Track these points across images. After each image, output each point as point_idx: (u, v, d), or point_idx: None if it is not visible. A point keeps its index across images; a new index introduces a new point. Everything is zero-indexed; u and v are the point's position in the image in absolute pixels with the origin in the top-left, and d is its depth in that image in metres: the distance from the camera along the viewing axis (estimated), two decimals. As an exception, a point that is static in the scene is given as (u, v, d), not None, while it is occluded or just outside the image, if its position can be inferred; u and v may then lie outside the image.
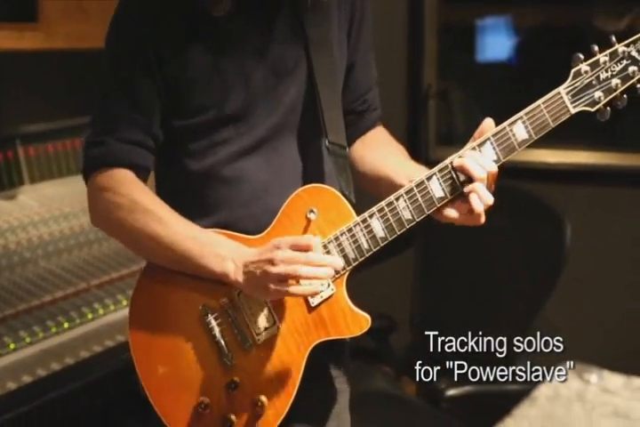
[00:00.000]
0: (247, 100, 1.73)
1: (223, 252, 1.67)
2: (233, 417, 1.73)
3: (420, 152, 3.83)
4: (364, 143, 1.93)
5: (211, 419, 1.73)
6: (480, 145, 1.65)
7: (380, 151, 1.89)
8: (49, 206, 2.67)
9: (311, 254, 1.61)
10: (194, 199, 1.77)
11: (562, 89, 1.65)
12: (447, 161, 1.66)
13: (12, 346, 2.11)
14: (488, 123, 1.66)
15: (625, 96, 1.66)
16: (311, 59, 1.75)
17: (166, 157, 1.80)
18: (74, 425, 2.12)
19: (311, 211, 1.70)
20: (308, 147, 1.79)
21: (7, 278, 2.34)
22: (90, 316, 2.31)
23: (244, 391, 1.72)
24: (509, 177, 3.09)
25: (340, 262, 1.65)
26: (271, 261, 1.61)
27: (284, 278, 1.60)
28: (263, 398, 1.72)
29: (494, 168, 1.65)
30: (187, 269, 1.70)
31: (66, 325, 2.25)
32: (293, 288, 1.61)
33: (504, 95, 3.96)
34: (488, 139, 1.65)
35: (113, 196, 1.71)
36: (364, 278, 2.91)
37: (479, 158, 1.64)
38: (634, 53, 1.64)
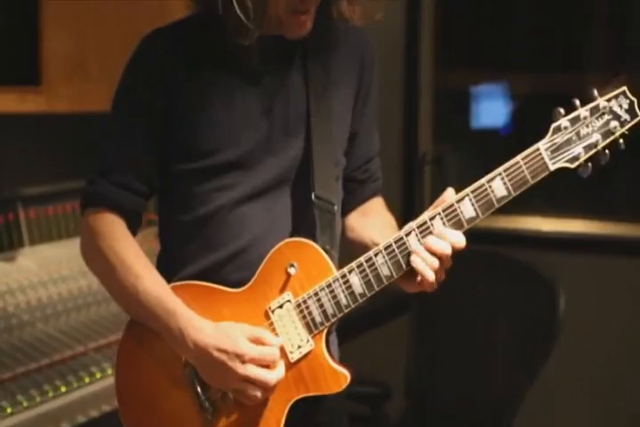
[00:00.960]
0: (257, 148, 1.76)
1: (176, 324, 1.68)
2: None
3: (415, 217, 3.86)
4: (358, 213, 1.96)
5: None
6: (459, 201, 1.62)
7: (367, 221, 1.93)
8: (47, 269, 2.68)
9: (271, 376, 1.66)
10: (191, 242, 1.78)
11: (541, 145, 1.59)
12: (426, 217, 1.64)
13: (8, 410, 2.11)
14: (449, 192, 1.64)
15: (607, 151, 1.58)
16: (310, 118, 1.78)
17: (168, 201, 1.82)
18: None
19: (291, 265, 1.71)
20: (303, 200, 1.79)
21: (5, 341, 2.34)
22: (87, 380, 2.31)
23: None
24: (504, 244, 3.13)
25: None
26: (234, 373, 1.64)
27: (243, 389, 1.66)
28: None
29: (462, 242, 1.62)
30: (148, 324, 1.73)
31: (63, 389, 2.25)
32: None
33: (499, 161, 4.02)
34: (467, 195, 1.62)
35: (95, 237, 1.76)
36: (358, 345, 2.93)
37: (445, 234, 1.62)
38: (615, 108, 1.57)
